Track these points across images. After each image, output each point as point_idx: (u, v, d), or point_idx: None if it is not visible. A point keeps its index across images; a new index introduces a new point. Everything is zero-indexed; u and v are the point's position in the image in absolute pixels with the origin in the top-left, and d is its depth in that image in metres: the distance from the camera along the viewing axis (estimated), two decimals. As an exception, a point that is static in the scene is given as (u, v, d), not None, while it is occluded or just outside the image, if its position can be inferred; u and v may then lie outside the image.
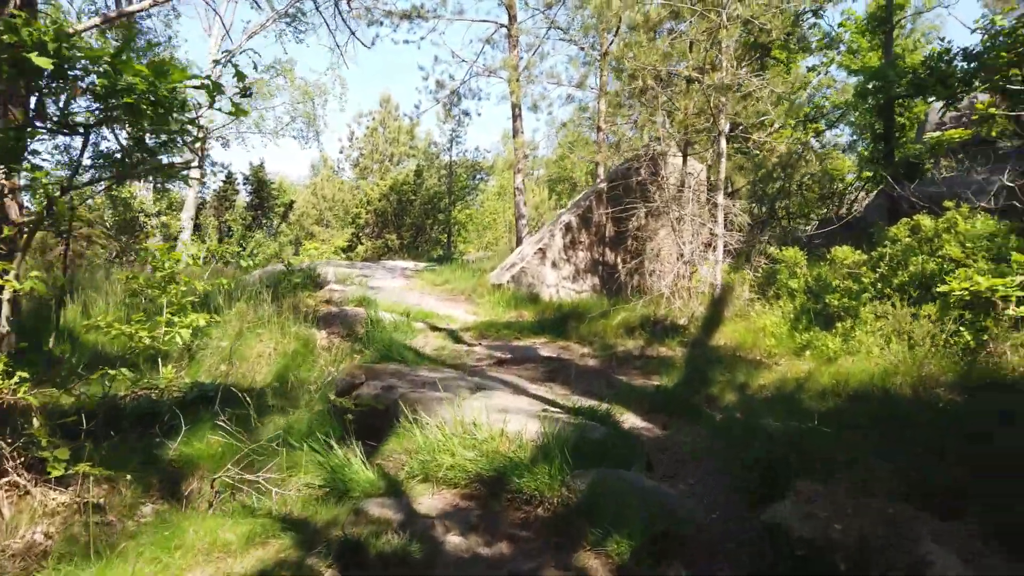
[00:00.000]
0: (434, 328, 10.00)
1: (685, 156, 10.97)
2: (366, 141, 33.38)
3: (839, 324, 8.42)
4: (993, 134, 9.54)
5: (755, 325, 8.58)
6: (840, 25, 18.38)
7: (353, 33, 11.59)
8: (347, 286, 13.22)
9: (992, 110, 9.12)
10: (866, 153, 16.09)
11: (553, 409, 5.54)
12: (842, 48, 18.61)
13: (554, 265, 11.46)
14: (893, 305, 8.61)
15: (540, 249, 11.44)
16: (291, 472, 4.94)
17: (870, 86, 15.54)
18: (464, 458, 4.53)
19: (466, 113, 18.08)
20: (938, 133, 9.80)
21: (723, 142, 9.56)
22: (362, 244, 28.23)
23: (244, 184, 25.34)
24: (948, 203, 11.26)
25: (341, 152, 34.18)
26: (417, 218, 28.21)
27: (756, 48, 11.14)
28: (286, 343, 8.66)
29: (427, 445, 4.73)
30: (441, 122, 29.52)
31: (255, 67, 15.64)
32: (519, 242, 16.26)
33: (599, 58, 14.16)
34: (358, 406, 5.62)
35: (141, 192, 21.23)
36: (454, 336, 9.55)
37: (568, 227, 11.69)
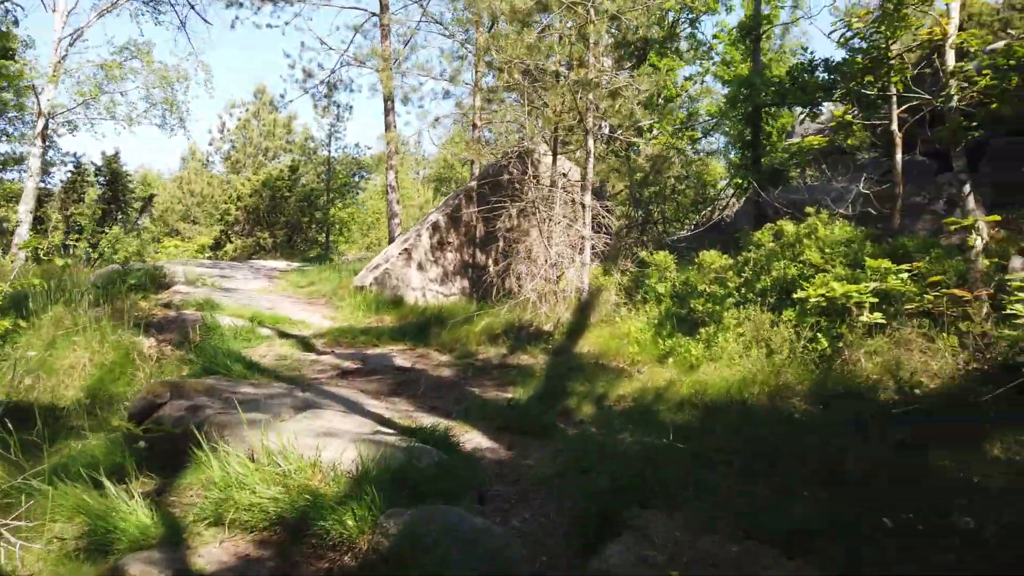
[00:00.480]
0: (283, 335, 9.11)
1: (555, 155, 10.58)
2: (238, 133, 31.46)
3: (703, 330, 8.21)
4: (849, 143, 9.70)
5: (620, 331, 8.25)
6: (714, 36, 18.73)
7: (192, 7, 10.44)
8: (197, 288, 12.05)
9: (848, 117, 9.22)
10: (736, 160, 16.39)
11: (386, 430, 4.87)
12: (716, 59, 19.00)
13: (420, 267, 10.79)
14: (755, 310, 8.49)
15: (405, 250, 10.74)
16: (54, 517, 4.04)
17: (739, 94, 15.82)
18: (265, 496, 3.80)
19: (338, 105, 17.10)
20: (798, 140, 9.85)
21: (591, 141, 9.20)
22: (231, 243, 26.49)
23: (97, 176, 23.14)
24: (809, 209, 11.42)
25: (211, 144, 32.10)
26: (292, 216, 26.77)
27: (628, 47, 10.90)
28: (104, 353, 7.57)
29: (224, 480, 3.96)
30: (319, 116, 28.22)
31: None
32: (391, 242, 15.49)
33: (473, 52, 13.62)
34: (155, 431, 4.74)
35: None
36: (304, 343, 8.71)
37: (436, 227, 11.06)
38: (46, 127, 20.01)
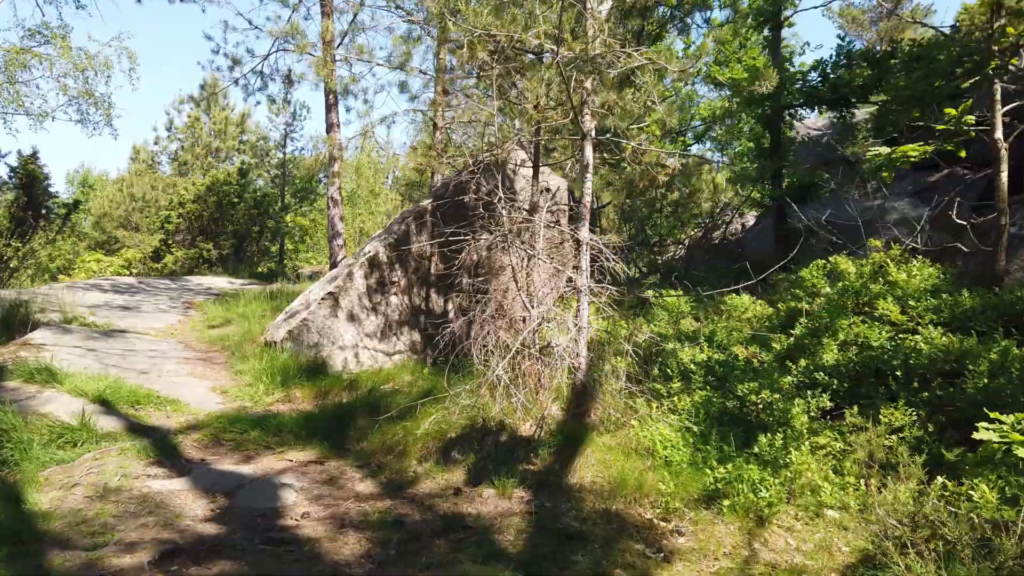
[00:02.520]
0: (137, 429, 5.99)
1: (536, 166, 7.59)
2: (187, 132, 28.02)
3: (763, 438, 5.25)
4: (962, 154, 6.87)
5: (638, 442, 5.26)
6: (714, 26, 15.84)
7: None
8: (65, 333, 8.88)
9: (970, 119, 6.29)
10: (749, 170, 13.49)
11: None
12: (707, 60, 16.05)
13: (352, 318, 7.71)
14: (837, 409, 5.57)
15: (331, 294, 7.64)
16: None
17: (756, 93, 12.91)
18: None
19: (272, 99, 13.90)
20: (887, 150, 6.93)
21: (589, 149, 6.19)
22: (171, 254, 23.11)
23: (11, 179, 19.65)
24: (875, 242, 8.52)
25: (157, 144, 28.59)
26: (241, 225, 23.45)
27: (642, 14, 7.93)
28: None
29: None
30: (273, 114, 24.93)
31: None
32: (333, 267, 12.35)
33: (433, 34, 10.57)
34: None
35: None
36: (161, 448, 5.59)
37: (375, 263, 7.96)
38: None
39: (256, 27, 11.66)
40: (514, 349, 5.53)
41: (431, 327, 8.38)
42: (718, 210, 15.54)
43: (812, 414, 5.67)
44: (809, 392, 5.91)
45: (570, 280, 6.45)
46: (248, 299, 13.08)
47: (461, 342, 7.44)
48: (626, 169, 8.04)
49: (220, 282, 19.49)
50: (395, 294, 8.07)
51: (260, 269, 23.63)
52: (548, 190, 9.85)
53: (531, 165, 7.85)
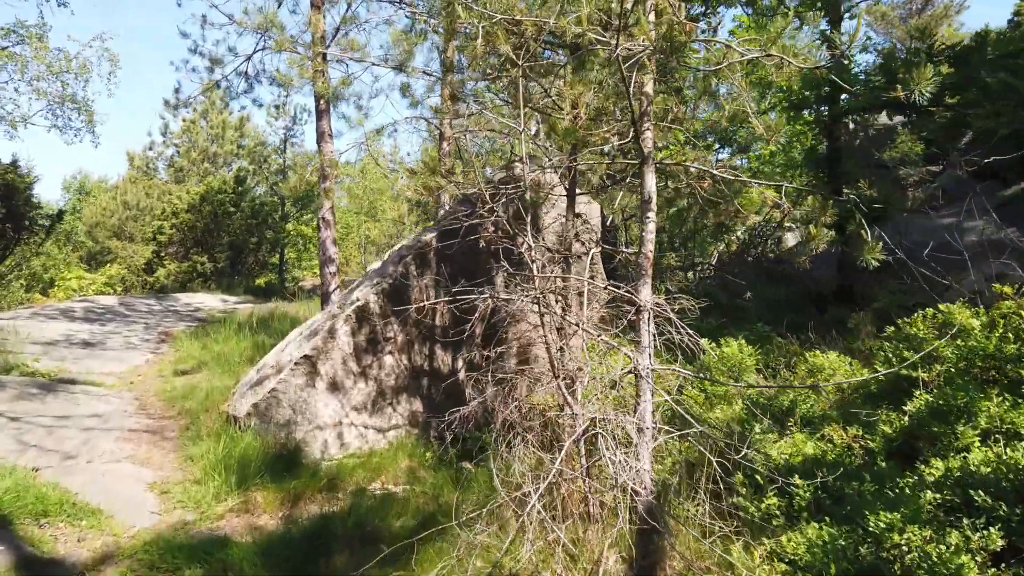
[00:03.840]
0: (30, 565, 4.27)
1: (572, 196, 5.81)
2: (183, 136, 26.33)
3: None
4: None
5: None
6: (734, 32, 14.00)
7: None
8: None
9: None
10: (800, 181, 11.63)
11: None
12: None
13: (335, 387, 5.95)
14: None
15: (307, 358, 5.88)
16: None
17: (810, 95, 11.06)
18: None
19: (258, 104, 12.18)
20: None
21: (651, 178, 4.40)
22: (164, 267, 21.44)
23: (-13, 188, 17.97)
24: (1007, 289, 6.68)
25: (152, 149, 26.90)
26: (238, 235, 21.76)
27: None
28: None
29: None
30: (272, 117, 23.19)
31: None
32: (325, 301, 10.59)
33: (441, 27, 8.81)
34: None
35: None
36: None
37: (364, 315, 6.19)
38: None
39: (235, 21, 9.89)
40: (550, 477, 3.74)
41: (436, 391, 6.60)
42: (759, 225, 13.72)
43: (979, 558, 3.87)
44: (965, 520, 4.10)
45: (623, 352, 4.65)
46: (232, 330, 11.37)
47: (480, 414, 5.68)
48: (680, 193, 6.22)
49: (211, 301, 17.82)
50: (390, 353, 6.30)
51: (259, 282, 21.94)
52: (585, 223, 8.07)
53: (565, 191, 6.07)
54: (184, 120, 26.02)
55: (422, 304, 6.21)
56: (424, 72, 9.14)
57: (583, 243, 6.54)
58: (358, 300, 6.26)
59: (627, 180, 7.97)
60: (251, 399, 6.01)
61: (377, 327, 6.21)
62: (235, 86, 11.61)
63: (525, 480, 4.09)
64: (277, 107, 19.90)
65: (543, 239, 7.43)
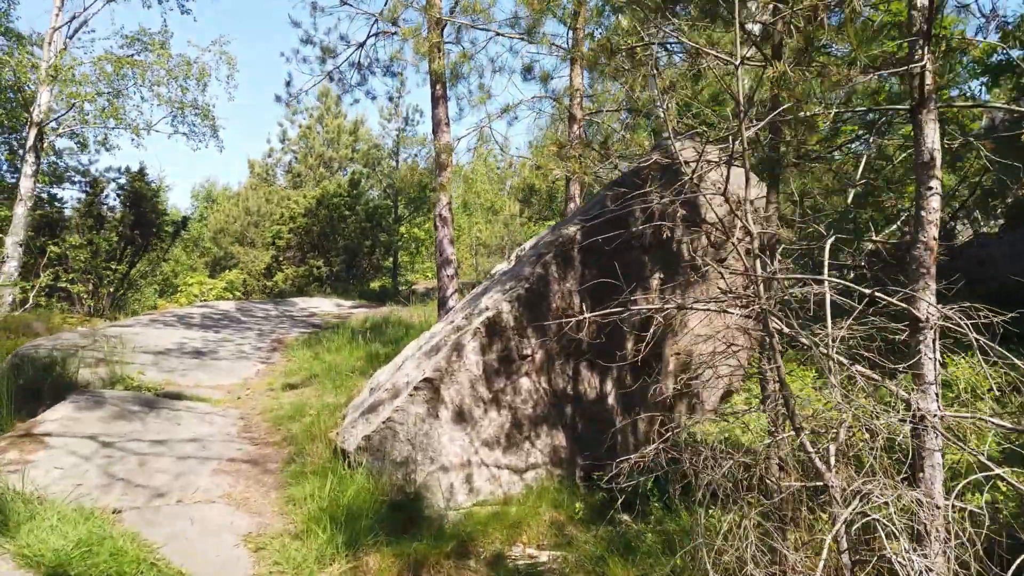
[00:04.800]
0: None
1: (749, 176, 4.35)
2: (300, 143, 26.45)
3: None
4: None
5: None
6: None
7: None
8: (99, 405, 6.54)
9: None
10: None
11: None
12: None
13: (462, 417, 4.77)
14: None
15: (428, 381, 4.73)
16: None
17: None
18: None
19: (371, 96, 11.32)
20: None
21: (934, 129, 2.89)
22: (282, 271, 21.39)
23: (118, 196, 18.38)
24: None
25: (271, 156, 27.22)
26: (352, 239, 21.40)
27: None
28: None
29: None
30: (385, 119, 22.75)
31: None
32: (442, 307, 9.53)
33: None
34: None
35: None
36: None
37: (495, 328, 4.97)
38: (39, 139, 15.26)
39: (348, 3, 9.00)
40: None
41: (582, 421, 5.30)
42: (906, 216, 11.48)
43: None
44: None
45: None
46: (345, 338, 10.56)
47: (632, 447, 4.33)
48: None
49: (326, 305, 17.37)
50: (527, 374, 5.04)
51: (373, 286, 21.50)
52: (750, 201, 6.53)
53: (741, 174, 4.61)
54: (300, 126, 26.15)
55: (568, 314, 4.92)
56: (553, 44, 7.86)
57: (769, 236, 5.05)
58: (487, 310, 5.04)
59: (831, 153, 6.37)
60: (363, 429, 4.92)
61: (512, 343, 4.97)
62: (348, 78, 10.81)
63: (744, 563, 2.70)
64: (391, 98, 19.30)
65: (701, 220, 5.97)
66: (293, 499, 4.81)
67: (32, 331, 12.04)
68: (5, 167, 18.92)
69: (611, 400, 5.44)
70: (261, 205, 25.10)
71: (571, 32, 8.54)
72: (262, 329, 12.54)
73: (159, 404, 7.08)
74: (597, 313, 3.71)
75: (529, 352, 5.05)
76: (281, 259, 21.70)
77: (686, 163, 5.29)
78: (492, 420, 4.86)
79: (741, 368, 6.48)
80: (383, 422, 4.76)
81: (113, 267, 16.43)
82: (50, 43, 15.15)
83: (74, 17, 15.66)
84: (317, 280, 20.97)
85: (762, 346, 3.20)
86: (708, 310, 3.42)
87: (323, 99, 26.17)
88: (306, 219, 21.23)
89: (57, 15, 15.26)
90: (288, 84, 10.64)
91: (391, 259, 22.74)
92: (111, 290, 16.50)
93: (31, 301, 14.72)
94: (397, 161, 23.01)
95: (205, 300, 17.33)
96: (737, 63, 3.07)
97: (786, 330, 3.03)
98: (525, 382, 5.02)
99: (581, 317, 3.99)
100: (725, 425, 6.16)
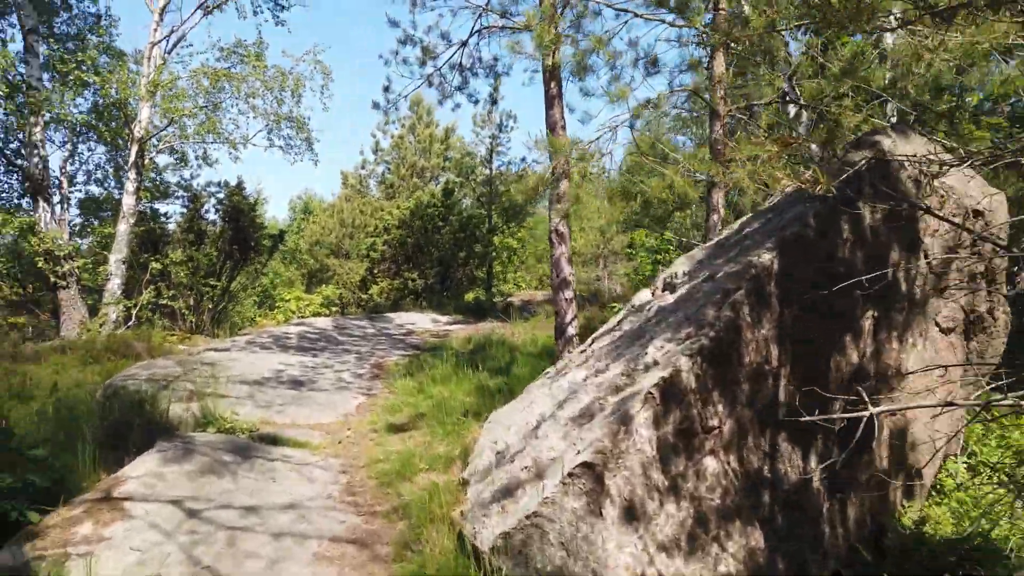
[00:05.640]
0: None
1: None
2: (392, 153, 25.97)
3: None
4: None
5: None
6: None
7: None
8: (188, 456, 5.74)
9: None
10: None
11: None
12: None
13: (632, 514, 3.57)
14: None
15: (587, 467, 3.55)
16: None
17: None
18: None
19: (473, 99, 10.30)
20: None
21: None
22: (377, 283, 20.83)
23: (217, 211, 18.20)
24: None
25: (364, 167, 26.86)
26: (446, 250, 20.59)
27: None
28: None
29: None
30: (478, 127, 21.87)
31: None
32: (560, 336, 8.32)
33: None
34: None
35: (49, 224, 14.34)
36: None
37: (670, 389, 3.72)
38: (140, 156, 15.13)
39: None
40: None
41: (782, 511, 3.97)
42: None
43: None
44: None
45: None
46: (449, 364, 9.56)
47: (842, 540, 2.98)
48: None
49: (423, 321, 16.53)
50: (712, 452, 3.76)
51: (467, 298, 20.60)
52: (977, 214, 5.02)
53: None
54: (392, 136, 25.67)
55: (764, 370, 3.63)
56: (699, 29, 6.52)
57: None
58: (658, 366, 3.79)
59: None
60: (498, 522, 3.77)
61: (693, 411, 3.70)
62: (448, 81, 9.81)
63: None
64: (494, 100, 18.35)
65: (930, 250, 4.53)
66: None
67: (132, 352, 11.66)
68: (112, 184, 19.14)
69: (815, 481, 4.08)
70: (355, 216, 24.74)
71: (713, 12, 7.18)
72: (360, 351, 11.72)
73: (253, 451, 6.21)
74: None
75: (716, 423, 3.77)
76: (376, 271, 21.14)
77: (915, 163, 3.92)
78: (669, 516, 3.61)
79: (960, 429, 4.97)
80: (527, 517, 3.59)
81: (211, 283, 16.13)
82: (149, 58, 14.99)
83: (172, 31, 15.48)
84: (412, 293, 20.26)
85: None
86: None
87: (415, 108, 25.61)
88: (400, 230, 20.58)
89: (156, 30, 15.09)
90: (387, 89, 9.72)
91: (485, 270, 21.79)
92: (210, 306, 16.23)
93: (134, 318, 14.54)
94: (491, 169, 22.07)
95: (302, 317, 16.84)
96: None
97: None
98: (711, 463, 3.74)
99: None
100: (955, 506, 4.69)
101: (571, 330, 8.03)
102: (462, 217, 20.91)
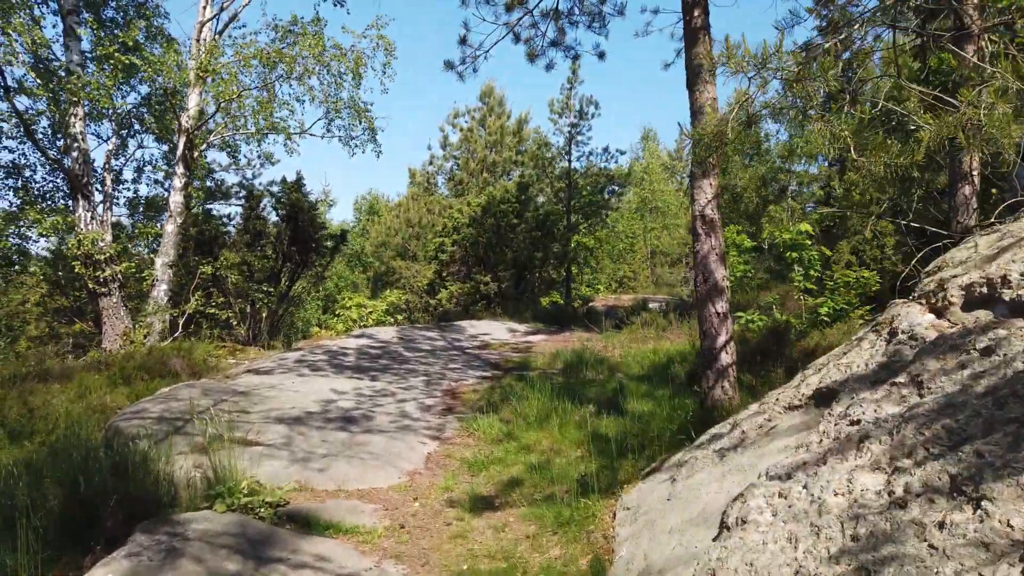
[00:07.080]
0: None
1: None
2: (462, 147, 23.87)
3: None
4: None
5: None
6: None
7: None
8: (173, 561, 3.55)
9: None
10: None
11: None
12: None
13: None
14: None
15: None
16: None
17: None
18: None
19: (572, 56, 7.88)
20: None
21: None
22: (446, 288, 18.72)
23: (276, 209, 16.35)
24: None
25: (432, 163, 24.86)
26: (521, 250, 18.30)
27: None
28: None
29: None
30: (556, 115, 19.48)
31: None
32: (710, 365, 5.83)
33: None
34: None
35: (89, 225, 12.69)
36: None
37: None
38: (189, 148, 13.41)
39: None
40: None
41: None
42: None
43: None
44: None
45: None
46: (542, 395, 7.22)
47: None
48: None
49: (499, 331, 14.29)
50: None
51: (544, 302, 18.26)
52: None
53: None
54: (462, 129, 23.57)
55: None
56: None
57: None
58: None
59: None
60: None
61: None
62: (541, 31, 7.47)
63: None
64: (601, 54, 15.91)
65: None
66: None
67: (169, 370, 9.82)
68: (169, 183, 17.65)
69: None
70: (423, 216, 22.76)
71: None
72: (429, 372, 9.52)
73: (273, 547, 4.01)
74: None
75: None
76: (444, 274, 19.06)
77: None
78: None
79: None
80: None
81: (266, 288, 14.26)
82: (198, 39, 13.25)
83: (222, 9, 13.71)
84: (484, 298, 18.06)
85: None
86: None
87: (486, 99, 23.45)
88: (471, 229, 18.42)
89: (205, 8, 13.34)
90: (463, 41, 7.43)
91: (563, 272, 19.42)
92: (265, 315, 14.38)
93: (180, 329, 12.82)
94: (569, 160, 19.67)
95: (364, 326, 14.79)
96: None
97: None
98: None
99: None
100: None
101: (725, 357, 5.55)
102: (539, 214, 18.60)
